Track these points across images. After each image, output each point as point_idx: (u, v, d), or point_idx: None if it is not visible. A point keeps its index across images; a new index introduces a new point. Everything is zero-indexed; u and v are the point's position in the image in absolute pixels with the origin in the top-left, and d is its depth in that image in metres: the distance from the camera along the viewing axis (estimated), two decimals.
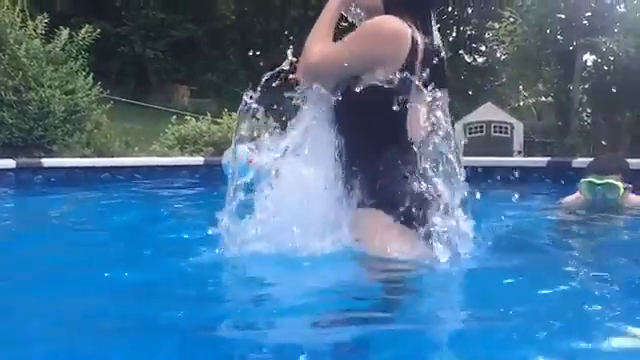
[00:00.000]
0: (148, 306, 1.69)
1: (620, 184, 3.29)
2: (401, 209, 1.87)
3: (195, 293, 1.83)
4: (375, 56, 1.94)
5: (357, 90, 1.95)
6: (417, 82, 1.95)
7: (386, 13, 2.05)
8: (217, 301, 1.78)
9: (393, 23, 1.95)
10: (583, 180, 3.41)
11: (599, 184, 3.30)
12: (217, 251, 2.03)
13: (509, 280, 1.82)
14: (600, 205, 3.39)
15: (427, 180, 1.93)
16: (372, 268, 1.89)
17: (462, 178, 1.96)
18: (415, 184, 1.90)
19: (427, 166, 1.95)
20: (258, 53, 25.99)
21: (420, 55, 1.95)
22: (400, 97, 1.93)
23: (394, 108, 1.93)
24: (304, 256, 1.92)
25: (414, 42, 1.95)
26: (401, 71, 1.92)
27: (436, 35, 2.08)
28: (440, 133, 1.95)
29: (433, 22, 2.09)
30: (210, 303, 1.74)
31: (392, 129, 1.98)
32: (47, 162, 6.66)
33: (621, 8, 12.15)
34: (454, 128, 2.08)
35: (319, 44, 2.10)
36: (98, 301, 1.73)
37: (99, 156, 8.34)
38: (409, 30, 1.95)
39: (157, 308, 1.65)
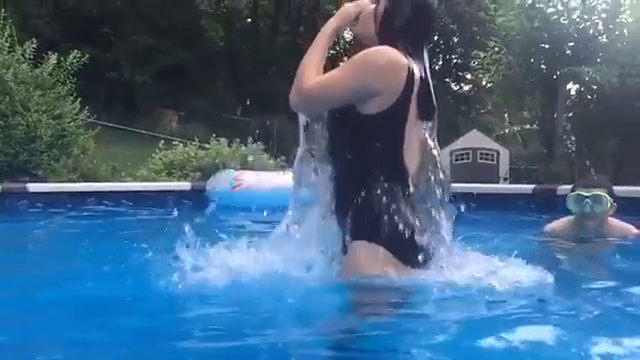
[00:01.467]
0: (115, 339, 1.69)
1: (608, 197, 3.34)
2: (391, 240, 1.88)
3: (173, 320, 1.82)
4: (371, 87, 1.91)
5: (351, 120, 1.96)
6: (413, 113, 1.95)
7: (380, 42, 2.04)
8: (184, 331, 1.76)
9: (389, 54, 1.93)
10: (571, 194, 3.44)
11: (587, 196, 3.34)
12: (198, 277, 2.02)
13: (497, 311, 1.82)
14: (584, 230, 3.42)
15: (418, 210, 1.94)
16: (358, 295, 1.89)
17: (452, 207, 1.98)
18: (407, 214, 1.90)
19: (419, 195, 1.96)
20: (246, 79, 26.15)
21: (416, 86, 1.94)
22: (395, 127, 1.94)
23: (389, 138, 1.94)
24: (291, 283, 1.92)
25: (410, 73, 1.93)
26: (397, 102, 1.91)
27: (426, 63, 2.09)
28: (432, 162, 1.97)
29: (425, 52, 2.09)
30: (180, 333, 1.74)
31: (387, 159, 1.96)
32: (32, 187, 6.60)
33: (603, 39, 12.43)
34: (440, 155, 2.08)
35: (312, 71, 2.05)
36: (72, 327, 1.72)
37: (85, 181, 8.28)
38: (406, 61, 1.93)
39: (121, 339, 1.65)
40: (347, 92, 1.95)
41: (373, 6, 2.10)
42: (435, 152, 2.02)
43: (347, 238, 1.96)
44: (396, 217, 1.89)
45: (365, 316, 1.78)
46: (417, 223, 1.92)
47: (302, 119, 2.19)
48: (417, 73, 1.95)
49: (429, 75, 2.05)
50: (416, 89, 1.95)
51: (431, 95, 2.03)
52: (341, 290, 1.92)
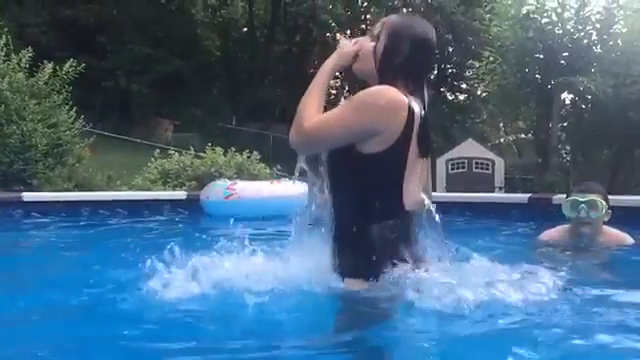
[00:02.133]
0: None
1: (603, 202, 3.35)
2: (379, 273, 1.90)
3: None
4: (371, 127, 1.90)
5: (351, 158, 1.95)
6: (414, 151, 1.95)
7: (380, 79, 2.03)
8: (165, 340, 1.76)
9: (389, 93, 1.92)
10: (566, 199, 3.45)
11: (583, 201, 3.35)
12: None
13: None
14: (580, 237, 3.42)
15: (414, 247, 1.97)
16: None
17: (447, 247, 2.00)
18: (403, 253, 1.91)
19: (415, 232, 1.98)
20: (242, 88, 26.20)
21: (416, 124, 1.94)
22: (396, 166, 1.93)
23: (390, 177, 1.94)
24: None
25: (411, 112, 1.92)
26: (397, 141, 1.91)
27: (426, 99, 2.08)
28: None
29: (426, 88, 2.08)
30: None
31: (386, 197, 1.95)
32: (27, 196, 6.57)
33: (597, 49, 12.49)
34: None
35: (312, 110, 2.02)
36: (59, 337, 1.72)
37: (81, 190, 8.27)
38: (406, 100, 1.92)
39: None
40: (347, 132, 1.94)
41: (372, 44, 2.09)
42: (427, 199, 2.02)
43: (341, 270, 1.99)
44: (392, 257, 1.91)
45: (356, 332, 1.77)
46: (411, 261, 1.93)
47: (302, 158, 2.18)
48: (417, 111, 1.95)
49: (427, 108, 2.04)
50: (416, 127, 1.94)
51: (430, 132, 2.02)
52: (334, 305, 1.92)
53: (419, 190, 2.00)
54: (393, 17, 2.14)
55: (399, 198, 1.95)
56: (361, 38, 2.17)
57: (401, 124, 1.91)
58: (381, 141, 1.91)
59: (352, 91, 30.36)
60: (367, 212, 1.95)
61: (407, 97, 1.94)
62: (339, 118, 1.97)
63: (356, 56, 2.13)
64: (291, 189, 6.70)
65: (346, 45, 2.16)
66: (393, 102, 1.91)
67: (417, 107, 1.95)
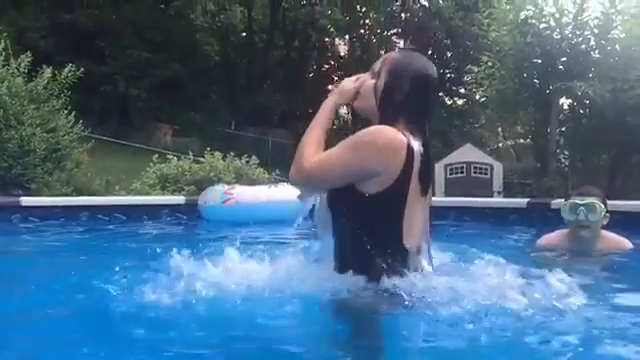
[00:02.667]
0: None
1: (601, 205, 3.37)
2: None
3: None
4: (370, 168, 1.91)
5: (351, 198, 1.95)
6: (414, 189, 1.95)
7: (381, 117, 2.03)
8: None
9: (388, 133, 1.93)
10: (565, 203, 3.46)
11: (582, 204, 3.37)
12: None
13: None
14: (579, 241, 3.43)
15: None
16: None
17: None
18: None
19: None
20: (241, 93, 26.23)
21: (416, 162, 1.94)
22: (396, 206, 1.93)
23: (390, 216, 1.94)
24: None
25: (410, 151, 1.92)
26: (397, 181, 1.91)
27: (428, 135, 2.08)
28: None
29: (427, 124, 2.08)
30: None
31: (387, 235, 1.95)
32: (25, 201, 6.57)
33: (595, 54, 12.52)
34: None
35: (312, 149, 2.03)
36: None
37: (79, 195, 8.26)
38: (404, 140, 1.92)
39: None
40: (346, 173, 1.95)
41: (373, 81, 2.09)
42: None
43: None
44: (391, 292, 1.90)
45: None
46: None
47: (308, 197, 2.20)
48: (417, 149, 1.95)
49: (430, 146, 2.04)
50: (417, 166, 1.94)
51: (431, 170, 2.03)
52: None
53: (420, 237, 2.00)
54: (394, 54, 2.15)
55: (399, 237, 1.95)
56: (362, 75, 2.17)
57: (400, 164, 1.91)
58: (380, 182, 1.91)
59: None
60: (366, 249, 1.94)
61: (406, 136, 1.94)
62: (338, 158, 1.97)
63: (357, 93, 2.13)
64: (289, 193, 6.71)
65: (347, 82, 2.17)
66: (392, 142, 1.91)
67: (417, 145, 1.95)
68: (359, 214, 1.95)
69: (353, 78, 2.19)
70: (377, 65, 2.11)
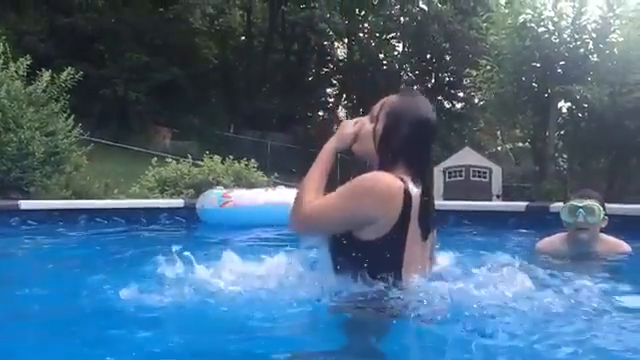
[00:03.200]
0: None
1: (600, 208, 3.38)
2: None
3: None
4: (367, 216, 1.91)
5: (351, 244, 1.95)
6: (413, 233, 1.94)
7: (380, 161, 2.03)
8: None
9: (384, 180, 1.93)
10: (564, 205, 3.48)
11: (581, 206, 3.38)
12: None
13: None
14: (577, 244, 3.44)
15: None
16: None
17: None
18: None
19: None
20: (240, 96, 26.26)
21: (415, 207, 1.94)
22: (395, 251, 1.93)
23: (389, 261, 1.93)
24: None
25: (408, 197, 1.91)
26: (395, 227, 1.90)
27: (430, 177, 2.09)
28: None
29: (428, 168, 2.09)
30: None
31: (385, 278, 1.94)
32: (24, 204, 6.56)
33: (594, 58, 12.56)
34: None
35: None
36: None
37: (78, 198, 8.25)
38: (402, 185, 1.91)
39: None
40: (344, 220, 1.95)
41: (372, 125, 2.09)
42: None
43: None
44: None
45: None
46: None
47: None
48: (416, 193, 1.94)
49: (433, 189, 2.05)
50: (416, 211, 1.94)
51: (432, 212, 2.02)
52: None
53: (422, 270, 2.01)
54: (393, 97, 2.13)
55: (398, 279, 1.95)
56: (362, 118, 2.17)
57: (397, 210, 1.90)
58: (378, 228, 1.91)
59: (349, 98, 30.45)
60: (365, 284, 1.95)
61: (404, 181, 1.94)
62: (336, 205, 1.97)
63: (356, 137, 2.13)
64: (287, 197, 6.72)
65: (346, 126, 2.17)
66: (389, 189, 1.91)
67: (416, 190, 1.95)
68: (358, 260, 1.95)
69: (352, 122, 2.18)
70: (376, 109, 2.11)
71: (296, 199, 2.07)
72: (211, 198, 6.64)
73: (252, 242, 5.31)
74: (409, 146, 2.02)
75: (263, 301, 1.95)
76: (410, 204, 1.92)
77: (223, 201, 6.46)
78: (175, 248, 2.17)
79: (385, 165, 2.02)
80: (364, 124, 2.13)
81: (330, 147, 2.16)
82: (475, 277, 2.08)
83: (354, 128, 2.15)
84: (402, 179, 1.94)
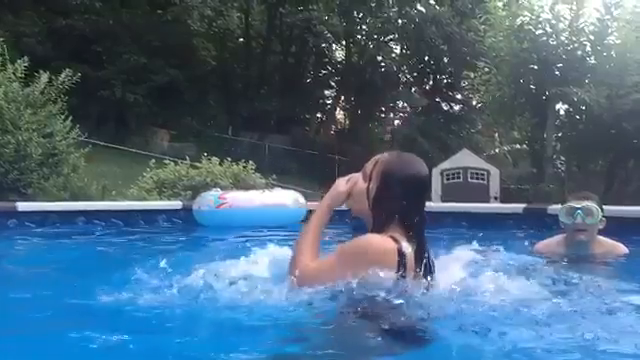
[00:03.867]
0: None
1: (598, 209, 3.39)
2: None
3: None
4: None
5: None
6: (410, 284, 1.92)
7: (374, 220, 2.05)
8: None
9: (377, 244, 1.94)
10: (563, 206, 3.49)
11: (579, 207, 3.40)
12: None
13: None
14: (575, 246, 3.44)
15: None
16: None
17: None
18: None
19: None
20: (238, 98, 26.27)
21: (410, 263, 1.93)
22: (393, 296, 1.91)
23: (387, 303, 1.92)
24: None
25: (401, 255, 1.92)
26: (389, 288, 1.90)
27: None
28: None
29: (424, 219, 2.06)
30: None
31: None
32: (22, 206, 6.55)
33: (591, 60, 12.59)
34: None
35: (307, 257, 2.04)
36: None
37: (75, 200, 8.24)
38: (395, 246, 1.92)
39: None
40: (340, 283, 1.94)
41: (365, 184, 2.09)
42: None
43: None
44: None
45: None
46: None
47: None
48: (409, 250, 1.94)
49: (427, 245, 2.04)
50: (411, 267, 1.94)
51: (428, 265, 2.00)
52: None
53: None
54: (385, 157, 2.13)
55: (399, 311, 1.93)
56: (355, 175, 2.17)
57: (392, 270, 1.90)
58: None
59: (347, 100, 30.47)
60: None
61: (398, 240, 1.94)
62: (331, 270, 1.97)
63: (349, 195, 2.13)
64: (282, 198, 6.74)
65: (339, 185, 2.17)
66: (381, 252, 1.92)
67: (410, 249, 1.94)
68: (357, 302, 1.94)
69: (345, 179, 2.19)
70: (369, 167, 2.12)
71: (292, 261, 2.06)
72: (207, 199, 6.65)
73: (249, 243, 5.31)
74: (403, 206, 2.02)
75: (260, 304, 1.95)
76: (405, 264, 1.92)
77: (219, 202, 6.48)
78: (173, 251, 2.17)
79: (379, 224, 2.03)
80: (357, 182, 2.13)
81: (324, 206, 2.17)
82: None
83: (347, 186, 2.15)
84: (395, 239, 1.94)
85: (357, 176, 2.16)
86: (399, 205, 2.02)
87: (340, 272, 1.93)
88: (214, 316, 1.94)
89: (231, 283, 2.08)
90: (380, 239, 1.96)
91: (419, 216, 2.07)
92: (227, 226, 6.05)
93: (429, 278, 1.99)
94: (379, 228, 2.02)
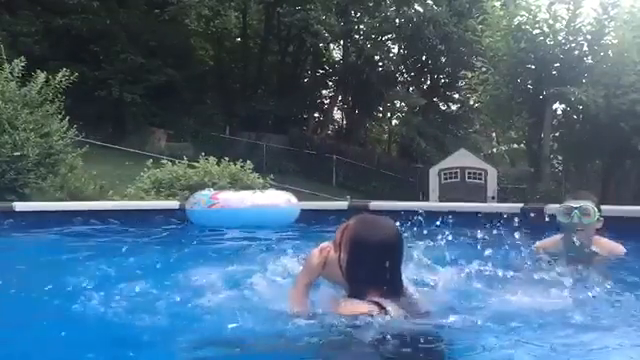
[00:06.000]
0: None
1: (595, 209, 3.40)
2: None
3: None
4: None
5: None
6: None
7: (350, 289, 2.01)
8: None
9: (354, 310, 1.89)
10: (560, 206, 3.49)
11: (575, 207, 3.40)
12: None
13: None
14: (573, 246, 3.44)
15: None
16: None
17: None
18: None
19: None
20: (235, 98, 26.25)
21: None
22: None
23: None
24: None
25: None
26: None
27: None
28: None
29: (400, 280, 2.02)
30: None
31: None
32: (19, 206, 6.53)
33: (588, 60, 12.61)
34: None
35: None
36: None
37: (73, 200, 8.22)
38: (371, 309, 1.88)
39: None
40: None
41: (336, 254, 2.05)
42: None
43: None
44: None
45: None
46: None
47: None
48: (391, 310, 1.90)
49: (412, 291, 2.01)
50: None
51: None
52: None
53: None
54: (352, 224, 2.07)
55: None
56: (327, 244, 2.12)
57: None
58: None
59: (345, 100, 30.46)
60: None
61: (378, 304, 1.90)
62: None
63: (324, 265, 2.08)
64: (274, 199, 6.72)
65: (313, 258, 2.11)
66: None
67: (391, 306, 1.91)
68: None
69: (318, 250, 2.13)
70: (338, 235, 2.08)
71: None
72: (199, 199, 6.64)
73: (247, 243, 5.30)
74: (375, 273, 1.99)
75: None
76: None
77: (211, 202, 6.46)
78: (172, 250, 2.16)
79: (354, 293, 1.99)
80: (330, 251, 2.08)
81: (302, 281, 2.12)
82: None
83: (321, 257, 2.09)
84: (376, 303, 1.90)
85: (329, 245, 2.10)
86: (372, 274, 1.98)
87: None
88: (214, 316, 1.94)
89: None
90: (359, 306, 1.91)
91: (394, 279, 2.01)
92: (219, 226, 6.05)
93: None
94: (357, 294, 1.97)
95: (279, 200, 6.72)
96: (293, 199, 6.81)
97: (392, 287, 1.98)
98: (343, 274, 2.02)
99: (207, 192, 6.84)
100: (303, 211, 6.46)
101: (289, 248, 2.39)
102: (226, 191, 7.13)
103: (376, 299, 1.91)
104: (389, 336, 1.77)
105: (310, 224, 5.92)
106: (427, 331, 1.85)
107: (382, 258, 1.98)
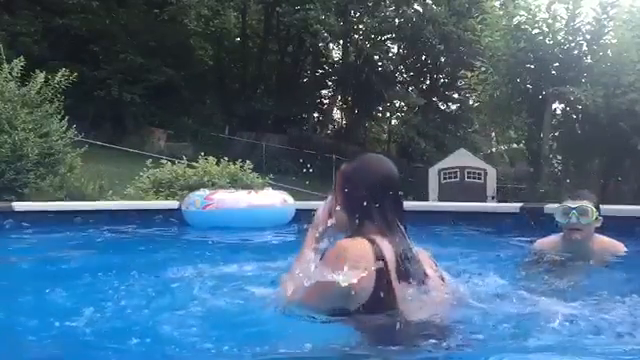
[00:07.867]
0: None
1: (593, 209, 3.39)
2: None
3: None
4: (345, 288, 1.85)
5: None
6: (397, 287, 1.90)
7: (350, 225, 2.04)
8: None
9: (350, 245, 1.93)
10: (558, 206, 3.49)
11: (573, 207, 3.40)
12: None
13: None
14: (572, 245, 3.45)
15: None
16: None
17: None
18: None
19: None
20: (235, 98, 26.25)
21: (392, 261, 1.90)
22: (382, 308, 1.89)
23: (381, 313, 1.90)
24: None
25: (378, 257, 1.89)
26: (374, 292, 1.86)
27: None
28: None
29: (398, 215, 2.03)
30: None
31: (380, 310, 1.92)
32: (18, 206, 6.53)
33: (588, 60, 12.60)
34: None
35: (293, 284, 2.05)
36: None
37: (72, 200, 8.22)
38: (368, 247, 1.90)
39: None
40: (328, 299, 1.92)
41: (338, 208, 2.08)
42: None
43: None
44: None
45: None
46: None
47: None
48: (387, 247, 1.92)
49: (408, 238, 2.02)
50: (393, 264, 1.91)
51: (411, 259, 1.97)
52: None
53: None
54: (344, 165, 2.14)
55: (395, 309, 1.93)
56: (329, 197, 2.16)
57: (371, 277, 1.87)
58: (357, 299, 1.88)
59: (344, 100, 30.46)
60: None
61: (371, 240, 1.92)
62: (315, 293, 1.95)
63: (330, 214, 2.12)
64: (269, 199, 6.71)
65: (319, 211, 2.18)
66: (355, 259, 1.88)
67: (386, 243, 1.93)
68: (359, 320, 1.93)
69: (322, 203, 2.19)
70: (336, 180, 2.12)
71: (285, 284, 2.07)
72: (194, 200, 6.63)
73: (245, 244, 5.31)
74: (369, 207, 2.01)
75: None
76: (386, 265, 1.89)
77: (205, 203, 6.45)
78: (171, 250, 2.16)
79: (354, 230, 2.02)
80: (332, 200, 2.13)
81: (310, 237, 2.17)
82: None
83: (326, 207, 2.15)
84: (370, 239, 1.92)
85: (331, 197, 2.15)
86: (366, 208, 2.01)
87: (321, 290, 1.92)
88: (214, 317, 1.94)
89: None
90: (352, 241, 1.94)
91: (391, 214, 2.04)
92: (213, 227, 6.04)
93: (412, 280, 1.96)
94: (356, 234, 2.00)
95: (274, 200, 6.70)
96: (289, 199, 6.79)
97: (387, 225, 2.00)
98: (345, 213, 2.05)
99: (202, 193, 6.82)
100: (298, 210, 6.45)
101: (284, 248, 2.39)
102: (221, 191, 7.10)
103: (372, 236, 1.94)
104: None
105: (308, 224, 5.91)
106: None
107: (373, 192, 2.02)
